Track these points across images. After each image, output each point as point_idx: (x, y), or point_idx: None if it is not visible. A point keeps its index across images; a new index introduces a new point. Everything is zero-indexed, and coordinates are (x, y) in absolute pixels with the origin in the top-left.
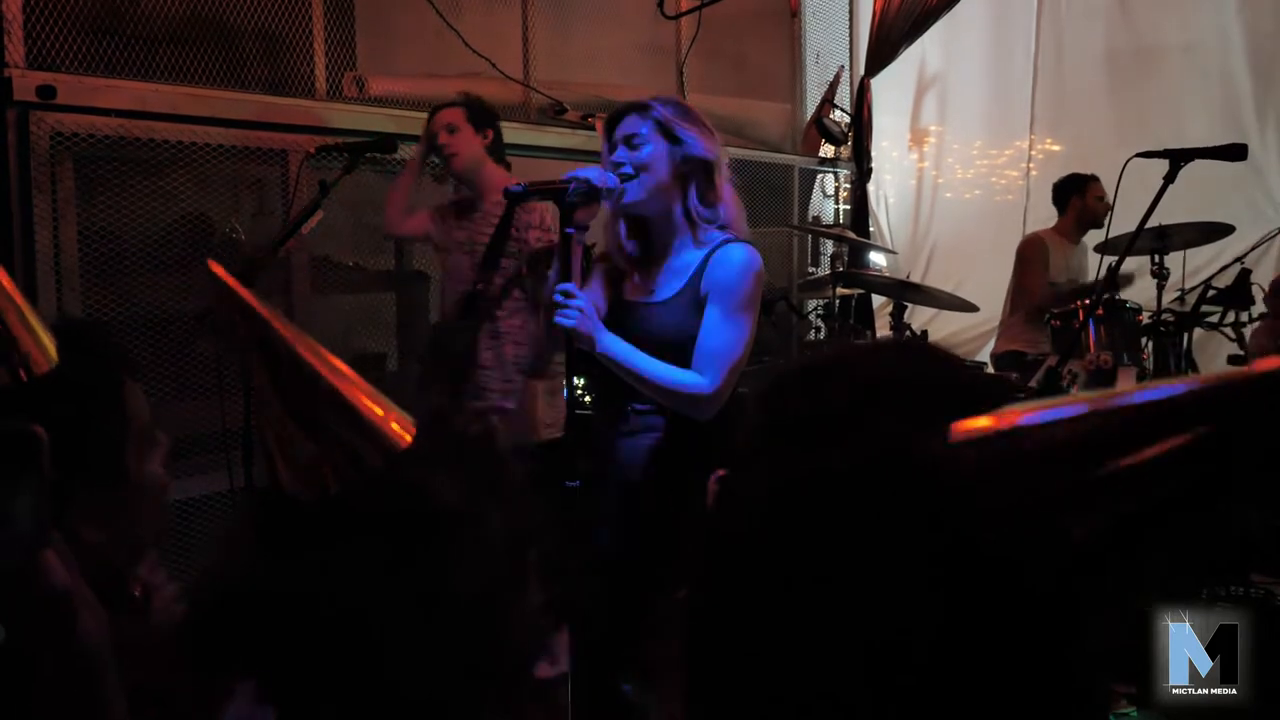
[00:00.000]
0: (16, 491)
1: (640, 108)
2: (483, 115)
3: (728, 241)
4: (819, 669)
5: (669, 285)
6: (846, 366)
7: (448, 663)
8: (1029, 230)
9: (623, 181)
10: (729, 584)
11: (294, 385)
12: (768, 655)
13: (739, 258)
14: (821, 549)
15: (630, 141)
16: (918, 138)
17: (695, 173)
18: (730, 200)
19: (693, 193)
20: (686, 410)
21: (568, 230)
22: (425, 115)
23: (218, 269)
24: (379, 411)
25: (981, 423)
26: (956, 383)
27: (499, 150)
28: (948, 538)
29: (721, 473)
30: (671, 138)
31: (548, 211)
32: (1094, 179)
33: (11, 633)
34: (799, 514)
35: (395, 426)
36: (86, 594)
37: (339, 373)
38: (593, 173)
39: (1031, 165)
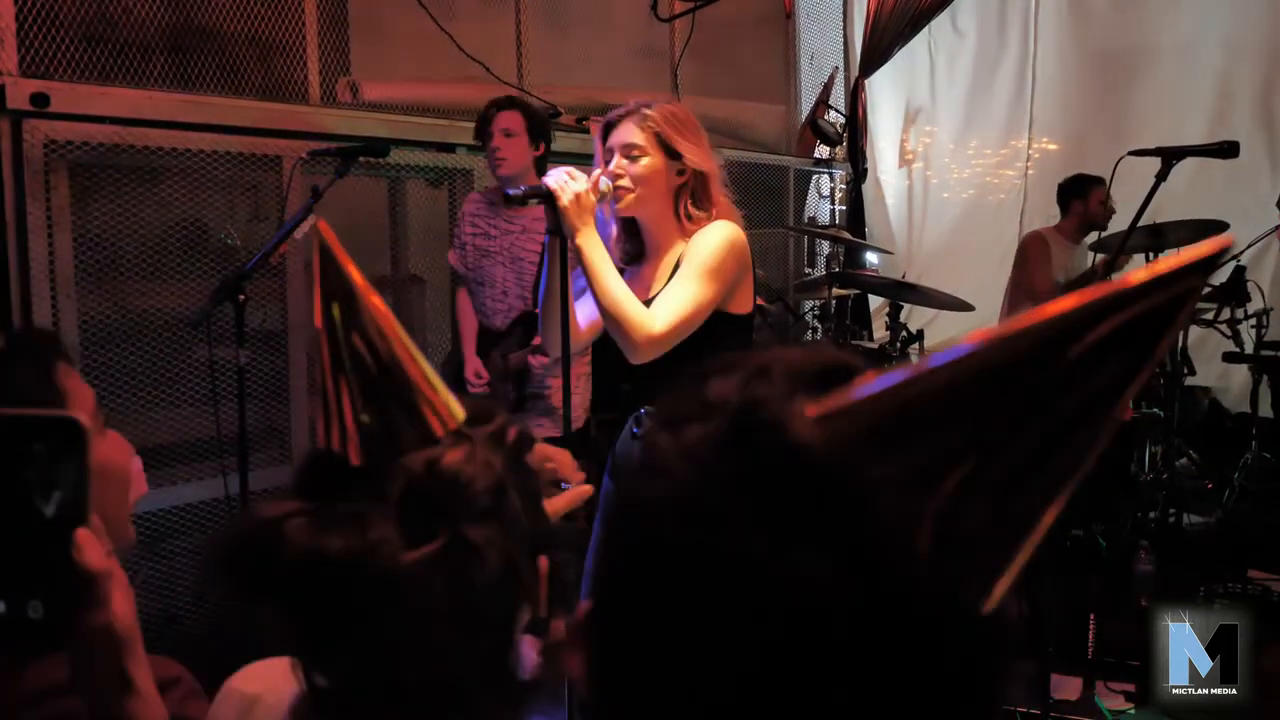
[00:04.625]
0: (59, 469)
1: (638, 116)
2: (541, 127)
3: (714, 221)
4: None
5: (662, 282)
6: (738, 360)
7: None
8: (1026, 229)
9: (618, 188)
10: (619, 568)
11: (364, 354)
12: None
13: (715, 229)
14: (686, 521)
15: (628, 152)
16: (914, 138)
17: (691, 184)
18: (725, 206)
19: (688, 202)
20: (625, 343)
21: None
22: (419, 120)
23: (325, 228)
24: (433, 396)
25: (838, 396)
26: (828, 364)
27: (545, 164)
28: (795, 497)
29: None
30: (669, 151)
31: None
32: (1099, 182)
33: (48, 608)
34: (664, 482)
35: (441, 413)
36: (119, 574)
37: (409, 353)
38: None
39: (1029, 165)
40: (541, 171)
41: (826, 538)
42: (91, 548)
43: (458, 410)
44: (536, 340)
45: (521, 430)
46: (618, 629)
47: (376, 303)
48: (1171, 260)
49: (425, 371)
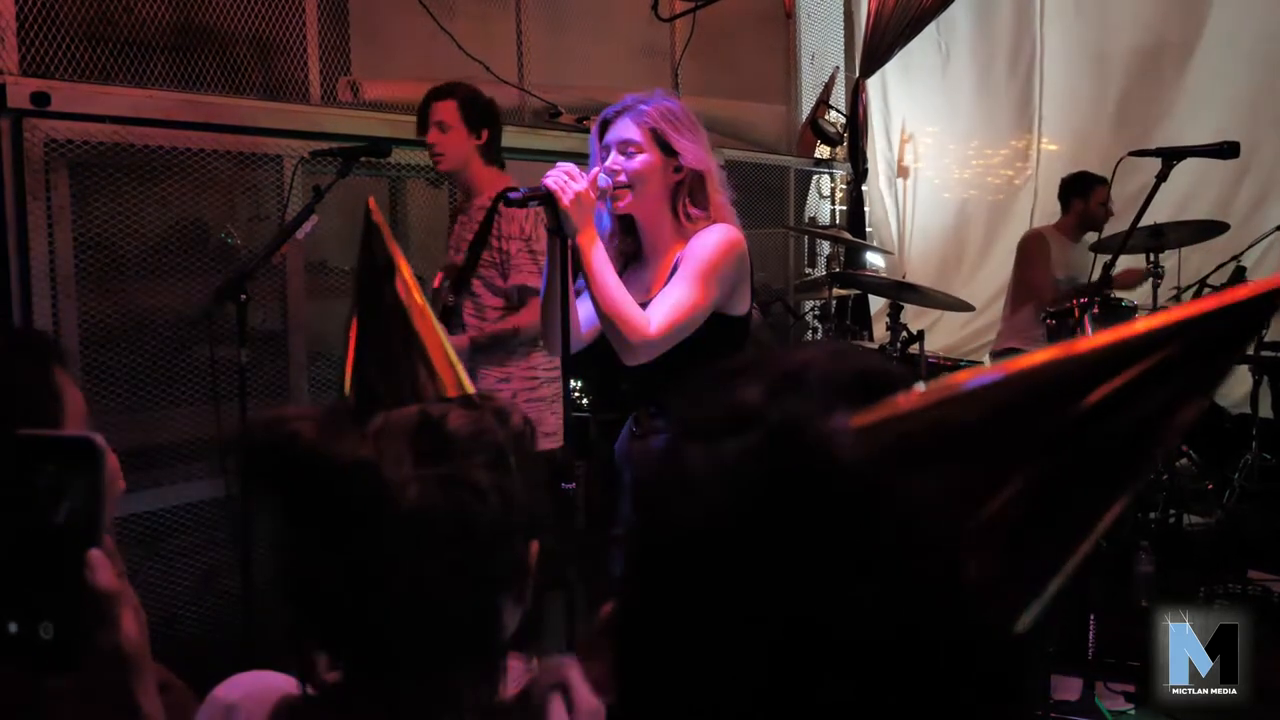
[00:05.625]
0: (75, 488)
1: (635, 113)
2: (480, 113)
3: (712, 224)
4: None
5: (661, 284)
6: (761, 363)
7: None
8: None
9: (617, 189)
10: (649, 576)
11: (390, 329)
12: (686, 639)
13: (714, 232)
14: (717, 534)
15: (624, 149)
16: (914, 138)
17: (688, 182)
18: (722, 205)
19: (685, 201)
20: (620, 343)
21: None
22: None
23: (374, 205)
24: (451, 363)
25: (879, 410)
26: (864, 372)
27: (493, 150)
28: (838, 519)
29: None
30: (666, 148)
31: (528, 221)
32: (1101, 182)
33: (59, 629)
34: (700, 499)
35: (461, 379)
36: (130, 595)
37: (435, 323)
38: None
39: (1037, 166)
40: (489, 160)
41: (868, 560)
42: (103, 568)
43: (468, 385)
44: None
45: (525, 417)
46: (646, 639)
47: (410, 277)
48: (1242, 290)
49: (445, 343)
